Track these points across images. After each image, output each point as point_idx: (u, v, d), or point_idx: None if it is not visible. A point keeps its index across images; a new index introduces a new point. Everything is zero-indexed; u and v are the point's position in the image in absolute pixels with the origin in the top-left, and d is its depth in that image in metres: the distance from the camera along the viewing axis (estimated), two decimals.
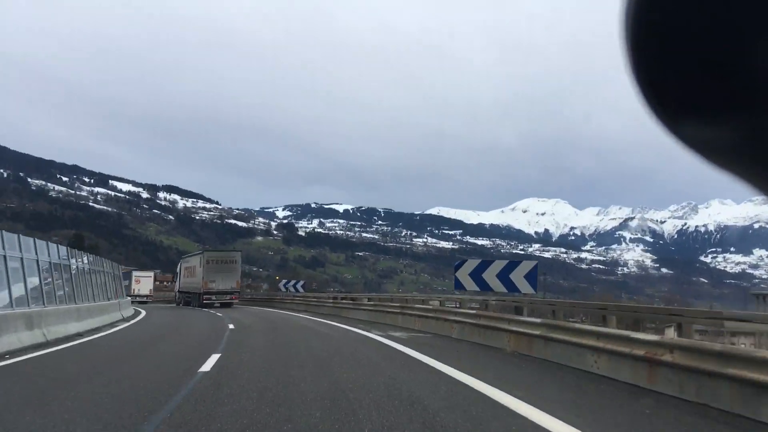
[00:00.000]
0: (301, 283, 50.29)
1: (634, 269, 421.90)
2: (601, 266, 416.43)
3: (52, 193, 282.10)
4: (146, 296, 66.79)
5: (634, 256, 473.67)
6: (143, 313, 34.62)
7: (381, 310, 26.08)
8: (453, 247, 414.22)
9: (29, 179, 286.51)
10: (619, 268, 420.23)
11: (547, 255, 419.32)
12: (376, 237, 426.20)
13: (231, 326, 22.04)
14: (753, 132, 0.66)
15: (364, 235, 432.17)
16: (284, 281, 51.71)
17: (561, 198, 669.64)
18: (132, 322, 26.64)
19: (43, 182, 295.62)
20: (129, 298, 41.01)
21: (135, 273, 72.48)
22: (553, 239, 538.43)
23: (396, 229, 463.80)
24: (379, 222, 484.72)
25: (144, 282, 68.99)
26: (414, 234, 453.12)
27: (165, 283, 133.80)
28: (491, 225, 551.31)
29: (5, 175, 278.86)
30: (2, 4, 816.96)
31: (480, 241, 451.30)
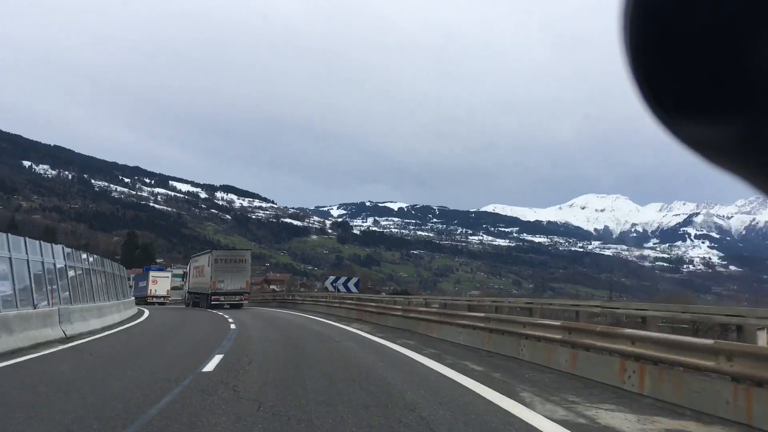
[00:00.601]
0: (355, 281, 41.34)
1: (700, 267, 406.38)
2: (665, 264, 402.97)
3: (115, 194, 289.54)
4: (163, 297, 64.04)
5: (699, 253, 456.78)
6: (145, 313, 32.99)
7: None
8: (509, 244, 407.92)
9: (93, 181, 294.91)
10: (684, 266, 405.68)
11: (607, 252, 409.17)
12: (431, 235, 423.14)
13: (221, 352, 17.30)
14: (752, 131, 0.66)
15: (418, 233, 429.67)
16: (332, 278, 42.48)
17: (621, 194, 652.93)
18: (122, 327, 23.00)
19: (106, 183, 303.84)
20: (132, 298, 39.08)
21: (152, 273, 69.53)
22: (614, 236, 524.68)
23: (451, 227, 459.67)
24: (434, 220, 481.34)
25: (161, 282, 65.87)
26: (469, 232, 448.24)
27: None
28: (548, 222, 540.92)
29: (70, 177, 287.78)
30: (69, 17, 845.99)
31: (537, 239, 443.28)
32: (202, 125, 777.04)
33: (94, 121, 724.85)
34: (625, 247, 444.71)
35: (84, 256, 24.06)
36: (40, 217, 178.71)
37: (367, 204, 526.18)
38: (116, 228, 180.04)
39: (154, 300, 62.05)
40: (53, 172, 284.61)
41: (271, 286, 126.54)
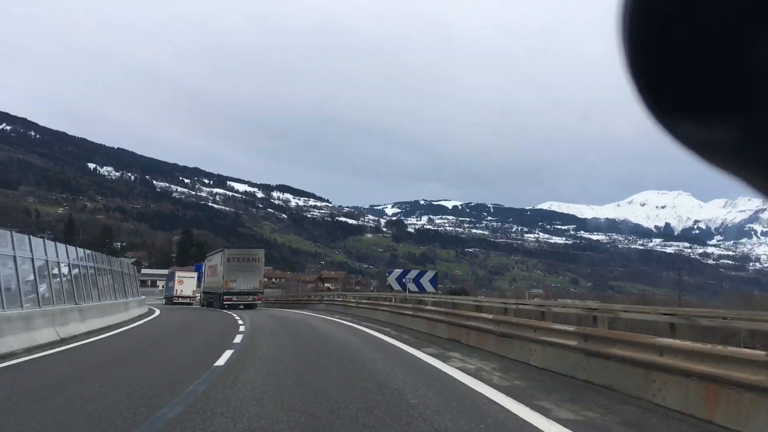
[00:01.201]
0: (431, 275, 31.07)
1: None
2: (729, 262, 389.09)
3: (175, 194, 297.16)
4: (189, 297, 61.52)
5: (766, 250, 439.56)
6: (151, 315, 31.01)
7: None
8: (566, 242, 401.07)
9: (154, 182, 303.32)
10: (751, 264, 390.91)
11: (669, 250, 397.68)
12: (486, 233, 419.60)
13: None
14: (750, 132, 0.66)
15: (473, 231, 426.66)
16: (397, 272, 32.07)
17: (683, 189, 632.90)
18: (123, 329, 20.79)
19: (167, 184, 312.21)
20: (142, 297, 37.57)
21: (178, 273, 67.64)
22: (675, 233, 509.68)
23: (506, 225, 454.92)
24: (489, 218, 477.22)
25: (187, 282, 63.85)
26: (525, 230, 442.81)
27: (273, 280, 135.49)
28: (607, 219, 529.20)
29: (133, 178, 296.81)
30: (130, 18, 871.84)
31: (595, 236, 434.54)
32: (259, 127, 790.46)
33: (155, 124, 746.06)
34: (687, 244, 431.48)
35: (82, 253, 22.31)
36: (104, 217, 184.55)
37: (422, 202, 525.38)
38: (176, 227, 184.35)
39: (180, 301, 60.42)
40: (117, 174, 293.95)
41: (326, 285, 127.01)
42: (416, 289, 29.83)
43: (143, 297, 38.97)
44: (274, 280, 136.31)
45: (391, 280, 31.54)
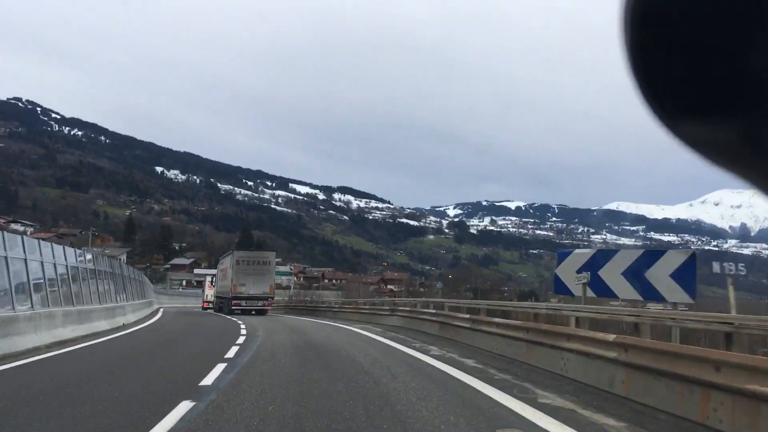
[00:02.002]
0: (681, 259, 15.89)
1: None
2: None
3: (239, 197, 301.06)
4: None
5: None
6: (152, 319, 29.41)
7: None
8: (635, 243, 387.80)
9: (219, 184, 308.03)
10: None
11: (746, 252, 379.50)
12: (551, 234, 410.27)
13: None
14: (752, 131, 0.66)
15: (537, 232, 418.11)
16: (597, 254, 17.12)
17: None
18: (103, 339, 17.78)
19: (231, 187, 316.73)
20: (144, 300, 35.30)
21: (208, 277, 65.09)
22: (752, 234, 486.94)
23: (572, 226, 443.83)
24: (553, 219, 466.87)
25: None
26: (591, 231, 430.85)
27: (333, 281, 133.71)
28: (678, 220, 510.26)
29: (198, 181, 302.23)
30: (196, 28, 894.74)
31: (666, 237, 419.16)
32: (320, 129, 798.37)
33: (220, 128, 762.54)
34: (765, 245, 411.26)
35: (61, 252, 19.78)
36: (170, 219, 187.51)
37: (484, 203, 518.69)
38: (240, 229, 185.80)
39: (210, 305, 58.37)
40: (183, 177, 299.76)
41: (389, 286, 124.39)
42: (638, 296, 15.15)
43: (147, 300, 37.74)
44: (334, 281, 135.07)
45: (571, 272, 15.89)
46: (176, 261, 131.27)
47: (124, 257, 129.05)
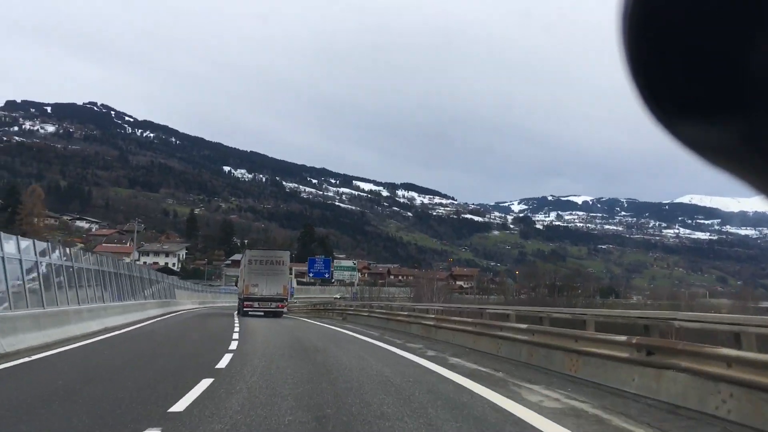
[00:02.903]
0: None
1: None
2: None
3: (303, 194, 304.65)
4: None
5: None
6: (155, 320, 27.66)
7: None
8: (711, 237, 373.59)
9: (284, 182, 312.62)
10: None
11: None
12: (620, 229, 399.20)
13: None
14: (751, 132, 0.66)
15: (606, 227, 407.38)
16: None
17: None
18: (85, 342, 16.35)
19: (296, 185, 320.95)
20: (148, 301, 33.79)
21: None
22: None
23: (642, 220, 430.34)
24: (622, 213, 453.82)
25: None
26: (663, 225, 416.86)
27: (399, 277, 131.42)
28: (755, 213, 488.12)
29: (264, 179, 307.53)
30: (261, 31, 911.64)
31: (743, 231, 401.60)
32: (383, 127, 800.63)
33: (285, 128, 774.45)
34: None
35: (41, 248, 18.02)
36: (236, 217, 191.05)
37: (549, 198, 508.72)
38: (303, 226, 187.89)
39: None
40: (249, 176, 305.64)
41: (458, 282, 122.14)
42: None
43: (160, 300, 37.17)
44: (400, 278, 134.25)
45: None
46: (237, 257, 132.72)
47: (183, 253, 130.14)
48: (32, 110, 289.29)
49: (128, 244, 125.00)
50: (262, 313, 35.79)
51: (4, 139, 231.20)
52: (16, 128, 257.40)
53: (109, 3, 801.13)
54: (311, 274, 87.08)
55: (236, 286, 58.68)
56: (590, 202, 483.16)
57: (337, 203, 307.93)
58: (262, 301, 36.46)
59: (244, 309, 36.42)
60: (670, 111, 0.69)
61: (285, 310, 37.63)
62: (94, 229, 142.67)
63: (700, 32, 0.64)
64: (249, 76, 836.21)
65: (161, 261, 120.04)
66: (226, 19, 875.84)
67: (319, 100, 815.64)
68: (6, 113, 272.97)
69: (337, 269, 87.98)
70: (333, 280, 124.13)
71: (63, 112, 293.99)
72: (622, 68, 0.69)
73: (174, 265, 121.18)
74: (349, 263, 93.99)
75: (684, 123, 0.69)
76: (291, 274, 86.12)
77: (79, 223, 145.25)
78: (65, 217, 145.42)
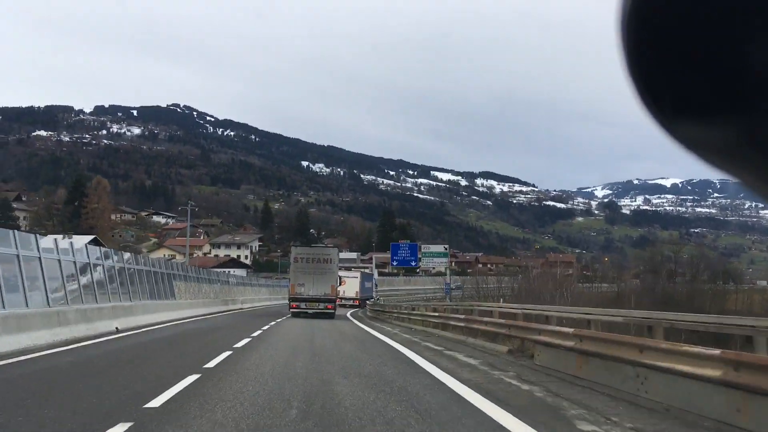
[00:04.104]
0: None
1: None
2: None
3: (381, 187, 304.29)
4: (352, 299, 56.33)
5: None
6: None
7: None
8: None
9: (361, 175, 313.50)
10: None
11: None
12: (713, 211, 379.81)
13: None
14: (750, 132, 0.66)
15: (698, 209, 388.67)
16: None
17: None
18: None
19: (373, 177, 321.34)
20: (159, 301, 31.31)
21: (340, 273, 61.86)
22: None
23: (737, 201, 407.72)
24: (715, 195, 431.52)
25: (350, 283, 58.24)
26: (760, 206, 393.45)
27: (489, 266, 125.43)
28: None
29: (342, 173, 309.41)
30: (339, 28, 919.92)
31: None
32: (458, 115, 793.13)
33: (361, 121, 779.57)
34: None
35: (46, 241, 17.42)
36: (315, 210, 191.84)
37: (635, 182, 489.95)
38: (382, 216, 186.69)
39: (343, 301, 55.19)
40: (327, 170, 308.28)
41: (554, 270, 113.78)
42: None
43: (198, 300, 34.84)
44: (490, 266, 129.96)
45: None
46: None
47: (256, 244, 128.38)
48: (119, 114, 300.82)
49: (201, 238, 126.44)
50: (310, 314, 33.68)
51: (93, 142, 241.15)
52: (104, 132, 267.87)
53: (191, 7, 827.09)
54: (395, 263, 79.24)
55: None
56: (680, 185, 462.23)
57: (415, 194, 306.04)
58: (309, 301, 34.51)
59: (291, 309, 34.69)
60: (668, 111, 0.70)
61: (334, 311, 35.32)
62: (170, 223, 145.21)
63: (700, 32, 0.64)
64: (325, 72, 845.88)
65: (233, 253, 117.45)
66: (301, 16, 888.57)
67: (395, 92, 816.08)
68: (95, 118, 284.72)
69: (426, 256, 79.75)
70: (418, 270, 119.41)
71: (148, 114, 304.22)
72: (621, 68, 0.69)
73: (246, 257, 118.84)
74: (439, 248, 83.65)
75: (683, 123, 0.70)
76: (373, 264, 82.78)
77: (156, 218, 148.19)
78: (142, 213, 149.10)
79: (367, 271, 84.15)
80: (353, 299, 56.87)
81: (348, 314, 40.97)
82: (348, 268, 79.48)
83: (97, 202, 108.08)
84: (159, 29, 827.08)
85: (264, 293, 63.82)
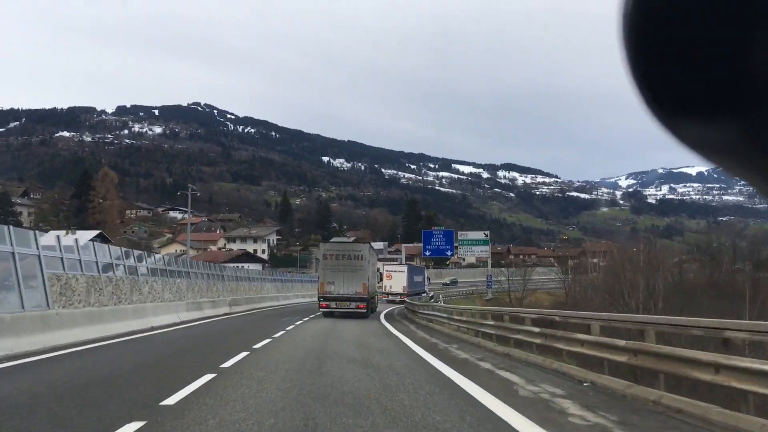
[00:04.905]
0: None
1: None
2: None
3: (402, 180, 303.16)
4: (399, 294, 54.23)
5: None
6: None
7: None
8: None
9: (383, 170, 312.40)
10: None
11: None
12: (741, 199, 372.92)
13: None
14: (751, 131, 0.66)
15: (725, 198, 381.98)
16: None
17: None
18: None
19: (395, 171, 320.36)
20: (184, 301, 29.44)
21: (386, 267, 60.17)
22: None
23: None
24: (742, 182, 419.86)
25: (396, 278, 57.09)
26: None
27: (522, 257, 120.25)
28: None
29: (363, 168, 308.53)
30: (357, 20, 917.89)
31: None
32: (479, 108, 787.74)
33: (381, 116, 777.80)
34: None
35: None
36: (337, 205, 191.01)
37: (660, 171, 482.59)
38: (405, 208, 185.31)
39: (390, 297, 54.53)
40: (348, 165, 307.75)
41: (594, 260, 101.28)
42: None
43: (190, 302, 29.64)
44: (523, 257, 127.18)
45: None
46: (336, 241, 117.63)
47: (273, 238, 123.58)
48: (141, 114, 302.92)
49: (218, 232, 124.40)
50: (338, 314, 32.01)
51: (116, 142, 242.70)
52: (126, 131, 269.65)
53: (209, 5, 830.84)
54: (427, 253, 68.66)
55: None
56: (705, 173, 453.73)
57: (437, 187, 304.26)
58: (340, 300, 32.65)
59: (321, 308, 33.00)
60: (670, 110, 0.70)
61: (366, 310, 33.29)
62: (184, 217, 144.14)
63: (700, 32, 0.64)
64: (344, 67, 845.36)
65: (249, 248, 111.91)
66: (318, 10, 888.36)
67: (415, 85, 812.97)
68: (117, 118, 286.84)
69: (464, 244, 67.89)
70: (448, 262, 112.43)
71: (169, 113, 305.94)
72: (622, 67, 0.69)
73: (264, 252, 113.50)
74: (478, 235, 70.48)
75: (684, 122, 0.70)
76: (402, 255, 78.80)
77: (172, 214, 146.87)
78: (158, 209, 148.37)
79: (414, 263, 79.30)
80: (400, 295, 54.18)
81: (381, 317, 35.42)
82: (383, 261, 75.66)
83: (104, 196, 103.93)
84: (179, 29, 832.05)
85: (289, 290, 58.17)
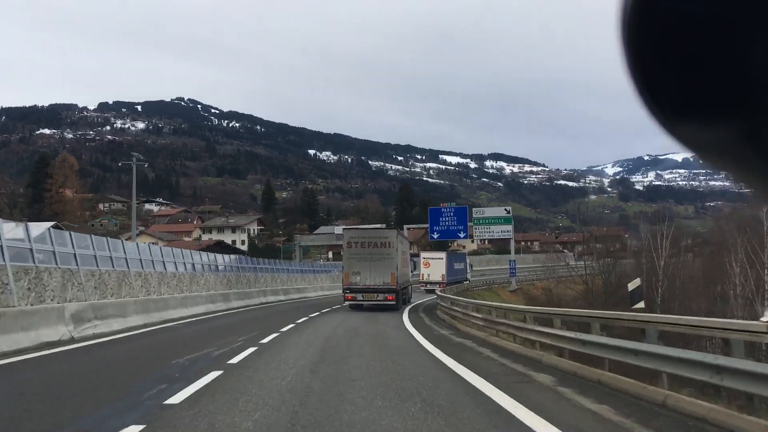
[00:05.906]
0: None
1: None
2: None
3: (390, 172, 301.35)
4: (438, 283, 51.31)
5: None
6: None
7: None
8: None
9: (370, 162, 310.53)
10: None
11: None
12: (728, 183, 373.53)
13: None
14: (751, 133, 0.66)
15: (712, 183, 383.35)
16: None
17: None
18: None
19: (382, 163, 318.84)
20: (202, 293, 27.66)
21: (423, 255, 58.15)
22: None
23: None
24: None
25: (435, 265, 54.84)
26: None
27: (522, 243, 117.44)
28: None
29: (350, 160, 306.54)
30: (344, 12, 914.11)
31: None
32: (465, 98, 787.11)
33: (368, 108, 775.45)
34: None
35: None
36: (324, 197, 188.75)
37: (646, 158, 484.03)
38: (394, 203, 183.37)
39: (428, 286, 52.70)
40: (335, 158, 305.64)
41: (599, 245, 75.74)
42: None
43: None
44: (523, 243, 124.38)
45: None
46: (324, 230, 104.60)
47: (254, 228, 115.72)
48: (123, 110, 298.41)
49: (194, 222, 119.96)
50: (366, 306, 29.82)
51: (97, 138, 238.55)
52: (108, 128, 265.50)
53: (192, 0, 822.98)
54: (435, 235, 59.01)
55: (324, 262, 52.37)
56: (691, 159, 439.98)
57: (425, 178, 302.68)
58: (366, 292, 30.04)
59: (346, 301, 30.53)
60: (669, 111, 0.70)
61: (396, 302, 30.48)
62: (159, 210, 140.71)
63: (700, 32, 0.64)
64: (328, 60, 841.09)
65: (227, 238, 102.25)
66: (301, 2, 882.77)
67: (400, 77, 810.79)
68: (99, 114, 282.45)
69: (479, 223, 57.68)
70: (449, 248, 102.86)
71: (152, 109, 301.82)
72: (622, 68, 0.69)
73: (243, 242, 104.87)
74: (498, 211, 60.66)
75: (684, 123, 0.70)
76: (410, 242, 73.73)
77: (147, 206, 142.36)
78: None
79: (454, 248, 73.35)
80: (439, 283, 50.67)
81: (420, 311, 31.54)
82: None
83: (63, 184, 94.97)
84: (160, 24, 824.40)
85: (305, 281, 51.52)
